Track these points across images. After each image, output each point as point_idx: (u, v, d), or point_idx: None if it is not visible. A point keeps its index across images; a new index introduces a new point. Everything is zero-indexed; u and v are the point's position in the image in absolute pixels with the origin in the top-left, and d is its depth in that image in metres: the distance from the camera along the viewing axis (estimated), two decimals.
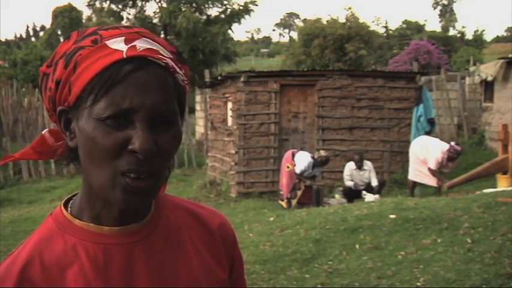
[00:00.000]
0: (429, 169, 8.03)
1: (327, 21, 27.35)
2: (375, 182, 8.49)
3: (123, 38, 0.77)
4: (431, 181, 8.14)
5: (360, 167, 8.51)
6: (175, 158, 0.88)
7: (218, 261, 0.91)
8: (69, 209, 0.85)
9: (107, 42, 0.76)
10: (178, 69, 0.81)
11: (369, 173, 8.57)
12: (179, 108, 0.81)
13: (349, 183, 8.56)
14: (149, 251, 0.83)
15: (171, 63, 0.79)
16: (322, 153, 8.43)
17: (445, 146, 7.86)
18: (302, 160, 8.23)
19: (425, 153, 8.03)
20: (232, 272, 0.95)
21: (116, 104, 0.73)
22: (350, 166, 8.62)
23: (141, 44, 0.77)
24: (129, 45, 0.76)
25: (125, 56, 0.75)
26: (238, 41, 69.77)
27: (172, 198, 0.94)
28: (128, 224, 0.83)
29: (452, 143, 7.92)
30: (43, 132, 0.87)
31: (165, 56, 0.78)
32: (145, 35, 0.79)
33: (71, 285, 0.78)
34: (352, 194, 8.54)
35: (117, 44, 0.76)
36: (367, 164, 8.63)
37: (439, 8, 68.90)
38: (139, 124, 0.74)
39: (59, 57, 0.79)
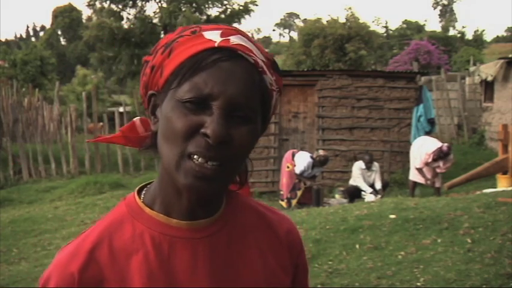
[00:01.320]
0: (415, 168, 8.13)
1: (327, 21, 27.34)
2: (378, 185, 8.44)
3: (220, 31, 0.79)
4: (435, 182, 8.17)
5: (369, 167, 8.47)
6: (247, 162, 0.89)
7: (282, 267, 0.90)
8: (142, 196, 0.86)
9: (203, 33, 0.79)
10: (267, 71, 0.82)
11: (375, 174, 8.53)
12: (264, 111, 0.82)
13: (363, 185, 8.40)
14: (214, 248, 0.84)
15: (261, 63, 0.80)
16: (321, 153, 8.42)
17: (433, 147, 7.87)
18: (302, 160, 8.22)
19: (419, 153, 8.11)
20: (296, 279, 0.94)
21: (197, 89, 0.75)
22: (360, 165, 8.52)
23: (236, 39, 0.79)
24: (224, 38, 0.78)
25: (216, 45, 0.77)
26: None
27: (243, 199, 0.93)
28: (197, 219, 0.83)
29: (440, 144, 7.92)
30: (135, 119, 0.89)
31: (256, 55, 0.80)
32: (243, 33, 0.81)
33: (135, 272, 0.79)
34: (354, 193, 8.52)
35: (213, 36, 0.79)
36: (375, 165, 8.60)
37: (439, 8, 68.91)
38: (216, 111, 0.75)
39: (160, 47, 0.82)
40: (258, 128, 0.81)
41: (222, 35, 0.78)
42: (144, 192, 0.87)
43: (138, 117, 0.89)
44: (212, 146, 0.74)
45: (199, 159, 0.75)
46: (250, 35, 0.83)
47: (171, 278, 0.80)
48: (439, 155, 7.77)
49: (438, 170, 8.02)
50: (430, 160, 7.87)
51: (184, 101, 0.76)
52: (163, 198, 0.83)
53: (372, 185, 8.49)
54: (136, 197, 0.86)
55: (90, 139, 0.93)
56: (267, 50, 0.85)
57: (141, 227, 0.82)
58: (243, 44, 0.79)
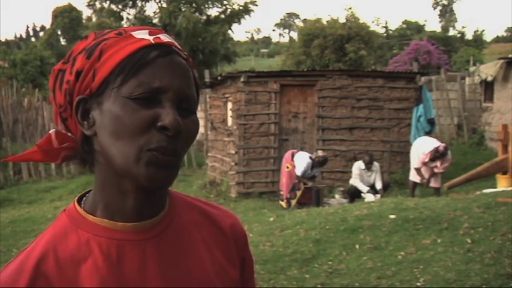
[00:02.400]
0: (414, 168, 8.17)
1: (327, 21, 27.36)
2: (379, 185, 8.43)
3: (147, 31, 0.82)
4: (432, 181, 8.17)
5: (369, 168, 8.47)
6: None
7: (230, 261, 0.92)
8: (83, 205, 0.85)
9: (132, 33, 0.81)
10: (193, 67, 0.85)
11: (375, 175, 8.53)
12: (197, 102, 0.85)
13: (360, 185, 8.43)
14: (162, 248, 0.84)
15: (190, 58, 0.85)
16: (320, 153, 8.41)
17: (430, 147, 7.88)
18: (301, 161, 8.21)
19: (417, 153, 8.13)
20: (243, 272, 0.95)
21: (146, 83, 0.77)
22: (359, 166, 8.53)
23: (165, 37, 0.82)
24: (154, 36, 0.81)
25: (153, 42, 0.79)
26: (238, 41, 69.79)
27: (184, 197, 0.94)
28: (143, 220, 0.83)
29: (438, 145, 7.92)
30: (51, 131, 0.87)
31: (184, 51, 0.84)
32: (167, 32, 0.85)
33: (85, 281, 0.78)
34: (354, 194, 8.52)
35: (142, 35, 0.81)
36: (375, 166, 8.60)
37: (439, 8, 68.92)
38: (168, 103, 0.77)
39: (77, 53, 0.82)
40: (197, 117, 0.83)
41: (151, 34, 0.81)
42: (83, 200, 0.86)
43: (53, 130, 0.87)
44: (171, 138, 0.76)
45: (161, 153, 0.76)
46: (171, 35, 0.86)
47: (122, 282, 0.79)
48: (435, 155, 7.79)
49: (436, 170, 8.02)
50: (427, 160, 7.89)
51: (134, 97, 0.76)
52: (107, 202, 0.82)
53: (372, 185, 8.49)
54: (77, 206, 0.85)
55: (4, 159, 0.91)
56: None
57: (86, 235, 0.81)
58: (172, 41, 0.82)
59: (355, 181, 8.54)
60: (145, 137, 0.76)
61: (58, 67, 0.84)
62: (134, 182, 0.79)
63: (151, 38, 0.80)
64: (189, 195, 0.97)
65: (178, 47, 0.83)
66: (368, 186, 8.45)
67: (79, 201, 0.86)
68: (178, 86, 0.78)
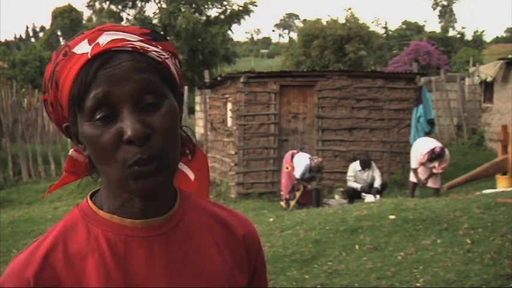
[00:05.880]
0: (412, 168, 8.18)
1: (327, 21, 27.39)
2: (377, 183, 8.41)
3: (86, 40, 0.79)
4: (431, 182, 8.17)
5: (364, 168, 8.46)
6: (186, 133, 0.90)
7: (240, 267, 0.92)
8: (94, 200, 0.88)
9: (73, 50, 0.79)
10: (150, 48, 0.81)
11: (372, 173, 8.51)
12: (167, 82, 0.81)
13: (354, 184, 8.48)
14: (170, 246, 0.85)
15: (139, 44, 0.79)
16: (315, 160, 8.32)
17: (427, 148, 7.88)
18: (300, 164, 8.19)
19: (415, 154, 8.14)
20: (253, 279, 0.96)
21: (96, 103, 0.76)
22: (354, 167, 8.55)
23: (104, 39, 0.78)
24: (93, 45, 0.78)
25: (89, 57, 0.77)
26: (237, 41, 69.81)
27: (198, 200, 0.94)
28: (151, 217, 0.84)
29: (434, 145, 7.91)
30: (69, 153, 0.90)
31: (131, 41, 0.79)
32: (108, 29, 0.81)
33: (91, 274, 0.80)
34: (353, 195, 8.51)
35: (82, 48, 0.78)
36: (371, 165, 8.59)
37: (439, 8, 68.90)
38: (125, 113, 0.76)
39: (48, 82, 0.82)
40: (172, 101, 0.81)
41: (89, 42, 0.78)
42: (95, 196, 0.89)
43: (72, 150, 0.90)
44: (143, 147, 0.76)
45: (141, 165, 0.76)
46: (115, 26, 0.82)
47: (128, 277, 0.81)
48: (432, 156, 7.80)
49: (434, 171, 8.02)
50: (424, 160, 7.90)
51: (93, 121, 0.77)
52: (114, 200, 0.84)
53: (371, 185, 8.47)
54: (90, 201, 0.87)
55: (44, 194, 0.98)
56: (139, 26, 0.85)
57: (95, 229, 0.83)
58: (112, 38, 0.78)
59: (349, 182, 8.57)
60: (120, 153, 0.76)
61: (43, 98, 0.86)
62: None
63: (89, 48, 0.77)
64: (205, 198, 0.97)
65: (121, 41, 0.78)
66: (366, 185, 8.44)
67: (92, 196, 0.89)
68: (127, 91, 0.76)
